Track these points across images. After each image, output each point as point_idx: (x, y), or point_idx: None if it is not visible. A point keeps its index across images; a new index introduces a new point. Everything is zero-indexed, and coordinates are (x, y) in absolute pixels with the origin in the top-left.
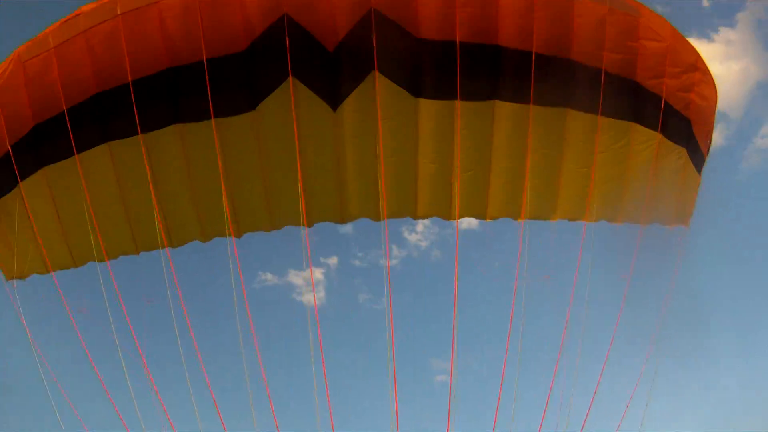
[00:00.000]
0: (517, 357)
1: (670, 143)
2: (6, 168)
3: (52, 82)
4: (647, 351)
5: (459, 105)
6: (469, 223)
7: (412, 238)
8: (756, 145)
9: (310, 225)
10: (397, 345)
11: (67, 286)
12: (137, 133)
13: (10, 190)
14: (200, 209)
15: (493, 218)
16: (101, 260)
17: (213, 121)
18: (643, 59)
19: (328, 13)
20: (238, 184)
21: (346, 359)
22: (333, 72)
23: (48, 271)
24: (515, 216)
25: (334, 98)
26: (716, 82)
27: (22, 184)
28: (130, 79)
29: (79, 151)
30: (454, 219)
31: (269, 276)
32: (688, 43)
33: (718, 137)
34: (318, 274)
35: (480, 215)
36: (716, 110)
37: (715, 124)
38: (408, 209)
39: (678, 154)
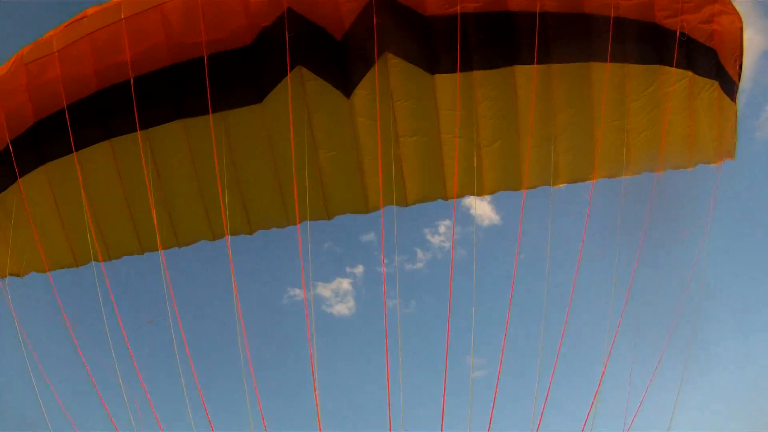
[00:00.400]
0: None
1: (701, 78)
2: (5, 163)
3: (54, 79)
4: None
5: (479, 75)
6: (490, 219)
7: (435, 240)
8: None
9: (330, 218)
10: (432, 344)
11: (67, 286)
12: (140, 129)
13: (9, 185)
14: (208, 206)
15: (530, 188)
16: (103, 260)
17: (209, 115)
18: (660, 0)
19: (332, 3)
20: (249, 179)
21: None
22: (343, 59)
23: (46, 270)
24: (552, 182)
25: (346, 85)
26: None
27: (21, 180)
28: (131, 75)
29: (80, 148)
30: (487, 194)
31: (297, 291)
32: None
33: None
34: (346, 284)
35: (514, 186)
36: (742, 35)
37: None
38: (437, 190)
39: (710, 88)
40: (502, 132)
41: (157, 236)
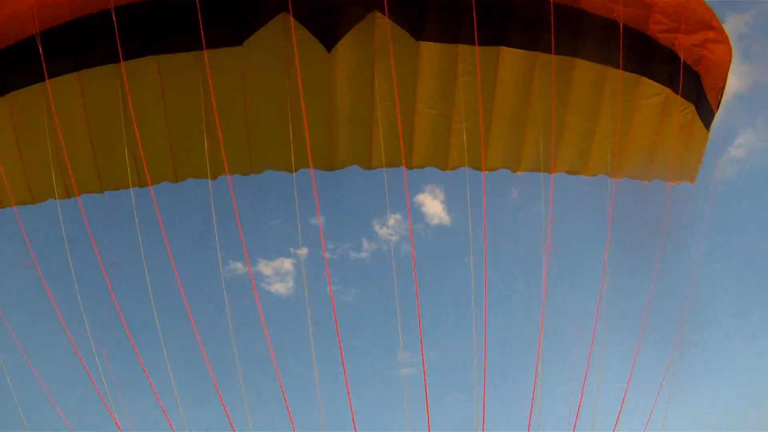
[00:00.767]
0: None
1: (678, 98)
2: None
3: (24, 6)
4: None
5: (464, 49)
6: (440, 218)
7: (383, 232)
8: (731, 155)
9: (295, 170)
10: (365, 337)
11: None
12: (111, 62)
13: None
14: (174, 146)
15: (491, 170)
16: (61, 197)
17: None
18: (657, 14)
19: None
20: (218, 122)
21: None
22: (330, 10)
23: (3, 207)
24: (513, 168)
25: (329, 38)
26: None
27: None
28: (112, 4)
29: (47, 77)
30: (451, 169)
31: (239, 265)
32: (703, 2)
33: None
34: (288, 264)
35: (477, 166)
36: (729, 67)
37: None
38: (402, 157)
39: (686, 110)
40: (475, 111)
41: (128, 173)
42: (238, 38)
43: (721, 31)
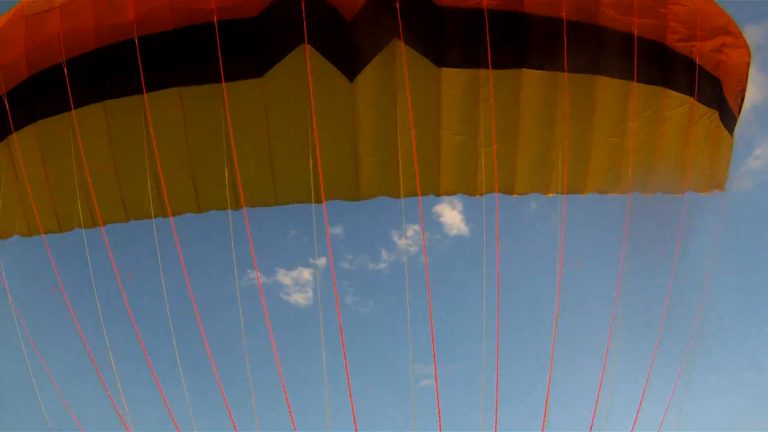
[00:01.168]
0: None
1: (702, 106)
2: None
3: (51, 33)
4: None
5: (485, 74)
6: (458, 229)
7: (402, 243)
8: (749, 166)
9: (320, 202)
10: (383, 348)
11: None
12: (135, 93)
13: None
14: (198, 178)
15: (521, 194)
16: (88, 227)
17: (213, 85)
18: (673, 23)
19: None
20: (241, 155)
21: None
22: (351, 41)
23: (32, 234)
24: (544, 190)
25: (350, 68)
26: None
27: (9, 137)
28: (135, 35)
29: (73, 107)
30: (480, 195)
31: (255, 275)
32: (719, 7)
33: None
34: (306, 274)
35: (508, 190)
36: (749, 70)
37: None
38: (430, 185)
39: (710, 117)
40: (501, 135)
41: (151, 204)
42: (259, 70)
43: (738, 35)
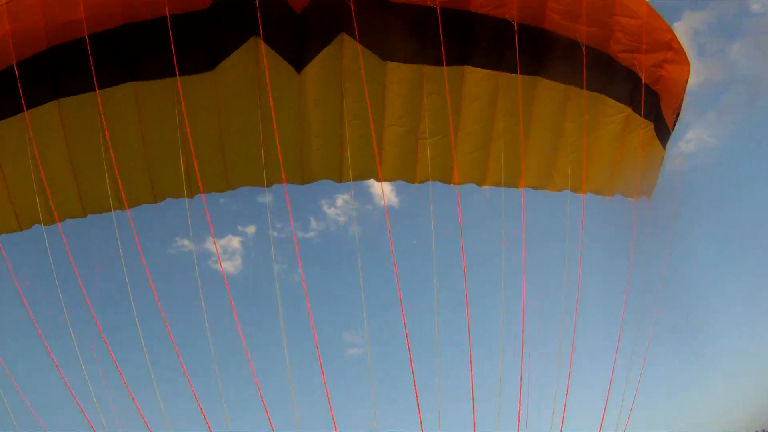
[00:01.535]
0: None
1: (638, 117)
2: None
3: (1, 36)
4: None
5: (429, 69)
6: (389, 199)
7: (331, 212)
8: (680, 149)
9: (268, 186)
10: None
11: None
12: (89, 90)
13: None
14: (153, 169)
15: (459, 184)
16: (47, 223)
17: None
18: (618, 34)
19: None
20: (194, 144)
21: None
22: (299, 34)
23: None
24: (480, 182)
25: (298, 60)
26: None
27: None
28: (86, 33)
29: (26, 108)
30: (419, 182)
31: (185, 242)
32: (664, 23)
33: None
34: (235, 242)
35: (446, 180)
36: (686, 87)
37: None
38: (371, 171)
39: (645, 128)
40: (442, 128)
41: (110, 197)
42: (210, 63)
43: (680, 52)
